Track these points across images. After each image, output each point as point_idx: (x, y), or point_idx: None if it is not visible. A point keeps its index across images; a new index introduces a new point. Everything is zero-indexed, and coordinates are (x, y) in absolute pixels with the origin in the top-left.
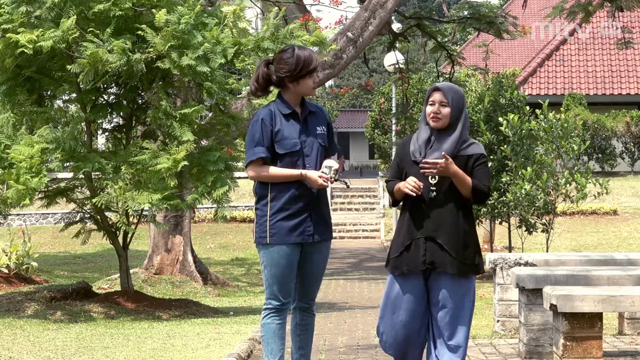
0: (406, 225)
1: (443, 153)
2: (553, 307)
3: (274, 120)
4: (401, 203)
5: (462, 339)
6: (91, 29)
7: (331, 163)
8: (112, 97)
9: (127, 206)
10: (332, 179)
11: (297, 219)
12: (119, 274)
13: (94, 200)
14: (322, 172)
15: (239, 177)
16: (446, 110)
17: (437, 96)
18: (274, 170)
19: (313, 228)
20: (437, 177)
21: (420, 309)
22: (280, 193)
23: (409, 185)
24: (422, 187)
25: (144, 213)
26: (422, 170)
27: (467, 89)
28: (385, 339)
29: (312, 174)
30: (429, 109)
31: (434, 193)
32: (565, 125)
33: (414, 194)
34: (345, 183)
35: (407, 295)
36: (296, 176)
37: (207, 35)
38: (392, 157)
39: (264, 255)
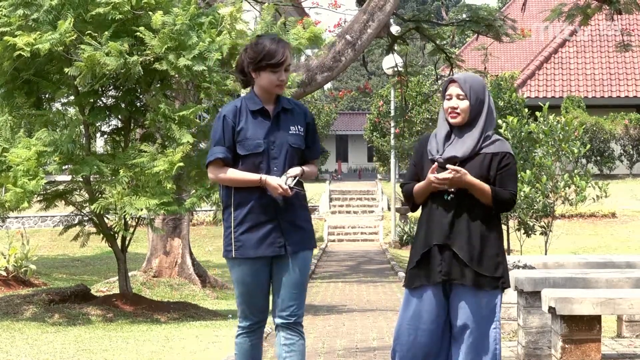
0: (423, 231)
1: (451, 167)
2: (551, 310)
3: (238, 117)
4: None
5: None
6: (89, 31)
7: (292, 171)
8: (110, 99)
9: (125, 212)
10: (292, 189)
11: (264, 230)
12: (117, 277)
13: (92, 207)
14: (285, 181)
15: None
16: (465, 104)
17: (453, 89)
18: (232, 173)
19: (284, 239)
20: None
21: (439, 328)
22: (243, 201)
23: (434, 180)
24: (442, 179)
25: (142, 216)
26: (432, 180)
27: None
28: None
29: (272, 180)
30: (446, 104)
31: (451, 195)
32: (566, 128)
33: (445, 187)
34: (300, 191)
35: (424, 312)
36: (255, 181)
37: (204, 36)
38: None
39: (232, 271)
